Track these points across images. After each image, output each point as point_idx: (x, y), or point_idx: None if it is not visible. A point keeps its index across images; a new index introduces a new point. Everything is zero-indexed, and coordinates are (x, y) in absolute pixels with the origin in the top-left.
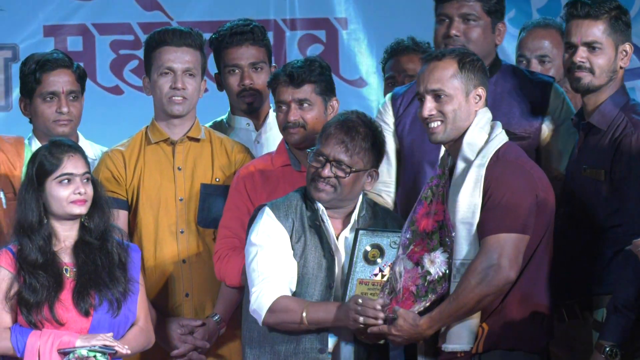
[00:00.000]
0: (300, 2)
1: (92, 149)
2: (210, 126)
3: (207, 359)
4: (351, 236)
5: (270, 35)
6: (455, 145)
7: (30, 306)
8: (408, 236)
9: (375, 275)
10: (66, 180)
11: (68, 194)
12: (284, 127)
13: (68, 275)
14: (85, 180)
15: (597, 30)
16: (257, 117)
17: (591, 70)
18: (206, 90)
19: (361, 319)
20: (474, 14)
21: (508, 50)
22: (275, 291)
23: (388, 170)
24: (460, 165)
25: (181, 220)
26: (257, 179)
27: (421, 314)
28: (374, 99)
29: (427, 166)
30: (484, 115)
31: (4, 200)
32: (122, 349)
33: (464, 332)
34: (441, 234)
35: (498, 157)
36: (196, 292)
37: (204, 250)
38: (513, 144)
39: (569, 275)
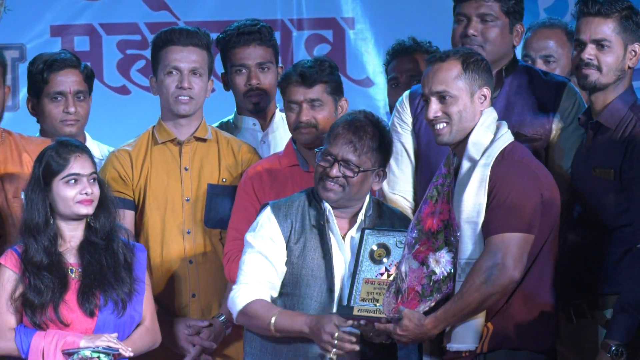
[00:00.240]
0: (307, 2)
1: (100, 149)
2: (217, 126)
3: None
4: (357, 236)
5: (277, 35)
6: (460, 145)
7: (35, 307)
8: (414, 235)
9: (382, 274)
10: (73, 181)
11: (75, 194)
12: (295, 127)
13: (73, 275)
14: (92, 181)
15: (606, 28)
16: (263, 117)
17: (599, 68)
18: (213, 90)
19: (333, 350)
20: (492, 14)
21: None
22: (251, 294)
23: (408, 170)
24: (466, 164)
25: (188, 221)
26: (265, 180)
27: (426, 313)
28: (381, 98)
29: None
30: (490, 115)
31: (25, 201)
32: (126, 351)
33: (469, 332)
34: (446, 233)
35: (503, 157)
36: (203, 293)
37: (210, 250)
38: (518, 144)
39: (578, 274)
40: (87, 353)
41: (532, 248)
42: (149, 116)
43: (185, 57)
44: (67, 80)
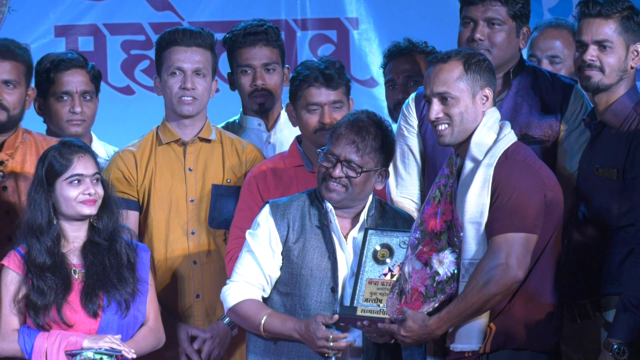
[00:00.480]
0: (311, 2)
1: (106, 150)
2: (223, 127)
3: None
4: (360, 236)
5: (281, 35)
6: (463, 145)
7: (38, 309)
8: (417, 236)
9: (385, 275)
10: (76, 181)
11: (77, 194)
12: (317, 129)
13: (76, 276)
14: (95, 181)
15: (608, 29)
16: (268, 117)
17: (601, 69)
18: (217, 90)
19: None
20: (499, 18)
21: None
22: (242, 294)
23: (415, 173)
24: (469, 165)
25: (192, 221)
26: (270, 179)
27: (430, 314)
28: (385, 99)
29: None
30: (492, 115)
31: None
32: (128, 352)
33: (473, 332)
34: (449, 234)
35: (507, 157)
36: (207, 293)
37: (215, 251)
38: (522, 144)
39: (582, 275)
40: (90, 354)
41: (534, 248)
42: (153, 116)
43: (189, 58)
44: (74, 80)
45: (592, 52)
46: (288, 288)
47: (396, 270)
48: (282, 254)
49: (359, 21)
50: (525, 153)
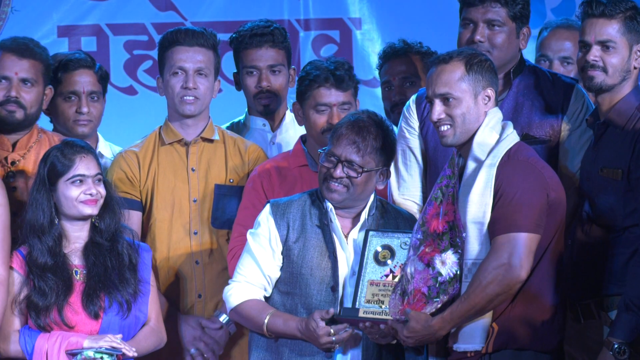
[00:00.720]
0: (314, 3)
1: (112, 150)
2: (228, 127)
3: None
4: (360, 236)
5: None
6: (465, 145)
7: (39, 310)
8: (419, 237)
9: (386, 276)
10: (78, 181)
11: (79, 194)
12: (325, 130)
13: (78, 277)
14: (97, 181)
15: (611, 29)
16: (273, 118)
17: (604, 69)
18: (220, 90)
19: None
20: (499, 19)
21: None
22: (244, 294)
23: (417, 175)
24: (471, 165)
25: (195, 221)
26: (274, 178)
27: (433, 315)
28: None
29: None
30: (495, 115)
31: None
32: (129, 351)
33: (476, 332)
34: (452, 234)
35: (509, 157)
36: (209, 293)
37: (217, 251)
38: (524, 144)
39: (586, 275)
40: (90, 354)
41: (537, 248)
42: (155, 117)
43: (191, 57)
44: (81, 81)
45: (595, 53)
46: (288, 287)
47: (397, 272)
48: (282, 254)
49: (362, 21)
50: (528, 153)
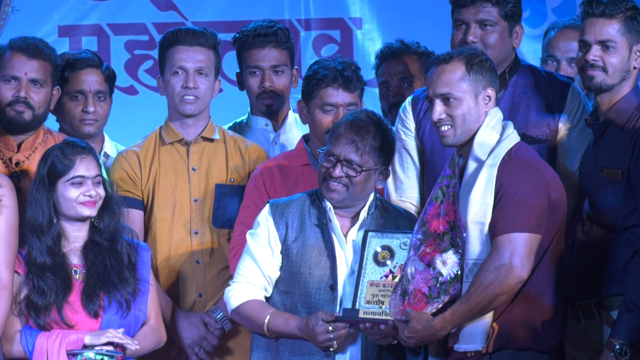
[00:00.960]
0: (315, 2)
1: (118, 150)
2: (231, 126)
3: (214, 358)
4: (359, 235)
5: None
6: (466, 145)
7: (39, 309)
8: (419, 237)
9: (386, 276)
10: (78, 182)
11: (78, 195)
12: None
13: (77, 277)
14: (96, 183)
15: (611, 29)
16: (276, 118)
17: (604, 69)
18: (221, 90)
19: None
20: (490, 19)
21: (523, 50)
22: (245, 295)
23: (414, 176)
24: (472, 165)
25: (195, 221)
26: (277, 177)
27: (433, 315)
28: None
29: None
30: (495, 115)
31: (29, 200)
32: (132, 345)
33: (477, 332)
34: (452, 234)
35: (510, 157)
36: (209, 293)
37: (218, 250)
38: (524, 144)
39: (586, 275)
40: (91, 355)
41: (537, 248)
42: (156, 116)
43: (191, 57)
44: (88, 80)
45: (595, 52)
46: (288, 287)
47: (397, 272)
48: (281, 253)
49: (363, 21)
50: (529, 153)
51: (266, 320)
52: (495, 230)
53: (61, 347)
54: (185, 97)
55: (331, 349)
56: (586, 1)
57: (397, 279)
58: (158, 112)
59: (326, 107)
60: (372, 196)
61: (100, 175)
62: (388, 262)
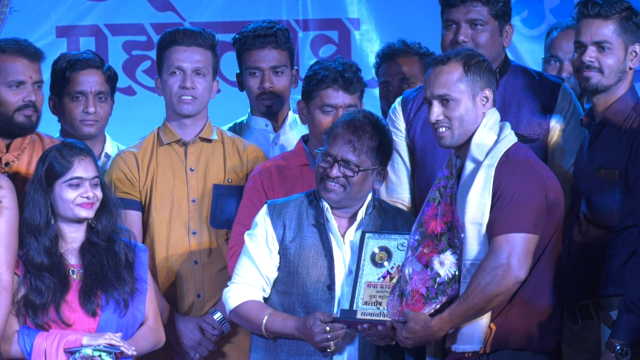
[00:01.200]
0: (313, 3)
1: (119, 150)
2: (231, 127)
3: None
4: (357, 236)
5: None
6: (463, 146)
7: (36, 308)
8: (417, 238)
9: (383, 277)
10: (75, 184)
11: (75, 197)
12: None
13: (75, 276)
14: (93, 184)
15: (607, 30)
16: (276, 118)
17: (600, 70)
18: (219, 91)
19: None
20: (481, 18)
21: (520, 50)
22: (243, 295)
23: (404, 177)
24: (469, 166)
25: (194, 221)
26: (275, 177)
27: (431, 315)
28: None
29: (440, 171)
30: (493, 116)
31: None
32: (128, 349)
33: (475, 333)
34: (450, 235)
35: (507, 158)
36: (208, 293)
37: (216, 251)
38: (522, 145)
39: (583, 276)
40: (89, 352)
41: (535, 249)
42: (154, 117)
43: (189, 57)
44: (89, 81)
45: (590, 53)
46: (285, 287)
47: (395, 273)
48: (279, 253)
49: (361, 22)
50: (526, 154)
51: (264, 321)
52: (493, 231)
53: (59, 347)
54: (182, 97)
55: (329, 350)
56: (581, 2)
57: (394, 280)
58: (156, 112)
59: (326, 108)
60: (369, 196)
61: (98, 176)
62: (385, 263)
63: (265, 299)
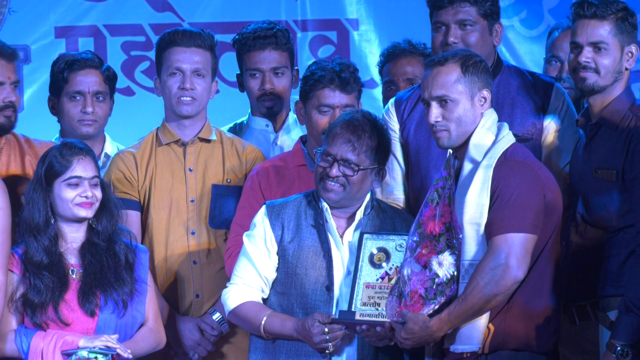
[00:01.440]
0: (312, 3)
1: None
2: (231, 128)
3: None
4: (355, 237)
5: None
6: (461, 147)
7: (35, 307)
8: (415, 239)
9: (382, 278)
10: (74, 183)
11: (74, 196)
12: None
13: (74, 276)
14: (93, 184)
15: (603, 31)
16: (276, 119)
17: (596, 71)
18: (217, 91)
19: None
20: (470, 19)
21: (519, 51)
22: (242, 296)
23: (399, 177)
24: (467, 166)
25: (192, 221)
26: (272, 178)
27: (430, 316)
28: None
29: (434, 172)
30: (490, 117)
31: (26, 200)
32: (124, 352)
33: (473, 333)
34: (448, 236)
35: (506, 158)
36: (206, 293)
37: (215, 251)
38: (520, 145)
39: (581, 276)
40: (85, 353)
41: (533, 249)
42: (153, 117)
43: (188, 58)
44: (87, 81)
45: (587, 54)
46: (284, 287)
47: (393, 274)
48: (277, 254)
49: (359, 22)
50: (524, 154)
51: (263, 322)
52: (492, 231)
53: (56, 348)
54: (182, 98)
55: (327, 351)
56: (577, 3)
57: (393, 281)
58: (155, 113)
59: (323, 108)
60: (368, 196)
61: (98, 176)
62: (384, 264)
63: (264, 300)
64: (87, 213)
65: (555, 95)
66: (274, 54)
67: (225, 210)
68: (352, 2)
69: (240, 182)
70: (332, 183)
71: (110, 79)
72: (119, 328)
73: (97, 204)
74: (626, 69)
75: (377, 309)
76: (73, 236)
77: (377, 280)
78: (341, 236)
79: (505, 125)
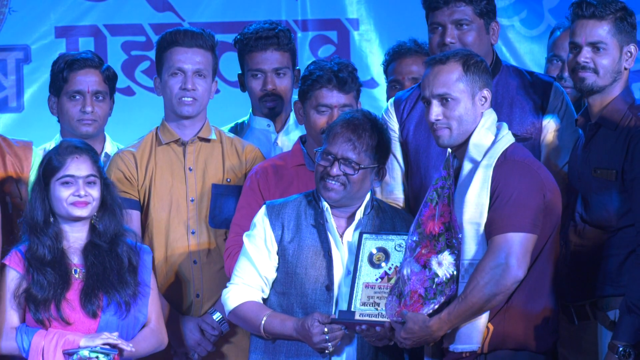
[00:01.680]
0: (312, 3)
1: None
2: (232, 127)
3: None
4: (355, 236)
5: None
6: (461, 146)
7: (38, 303)
8: (415, 239)
9: (381, 278)
10: (67, 182)
11: (68, 195)
12: (324, 130)
13: (77, 276)
14: (88, 183)
15: (602, 31)
16: (277, 119)
17: (595, 71)
18: (217, 91)
19: (330, 344)
20: (466, 18)
21: (520, 51)
22: (242, 296)
23: (399, 177)
24: (467, 166)
25: (192, 221)
26: (271, 177)
27: (430, 316)
28: (385, 99)
29: (434, 171)
30: (490, 116)
31: (9, 206)
32: (126, 346)
33: (472, 332)
34: (448, 235)
35: (505, 158)
36: (207, 293)
37: (215, 250)
38: (519, 145)
39: (580, 276)
40: (86, 353)
41: (533, 248)
42: (153, 117)
43: (190, 59)
44: (86, 80)
45: (586, 54)
46: (284, 287)
47: (392, 274)
48: (277, 254)
49: (360, 22)
50: (524, 154)
51: (263, 322)
52: (491, 231)
53: (57, 347)
54: (183, 98)
55: (327, 351)
56: (576, 3)
57: (392, 281)
58: (155, 112)
59: (321, 107)
60: (368, 196)
61: (95, 175)
62: (383, 264)
63: (264, 300)
64: (82, 212)
65: (554, 94)
66: (276, 55)
67: (225, 210)
68: (353, 2)
69: (240, 182)
70: (333, 182)
71: (110, 78)
72: (121, 329)
73: (94, 203)
74: (625, 68)
75: (377, 309)
76: (74, 235)
77: (377, 280)
78: (341, 236)
79: (505, 125)
